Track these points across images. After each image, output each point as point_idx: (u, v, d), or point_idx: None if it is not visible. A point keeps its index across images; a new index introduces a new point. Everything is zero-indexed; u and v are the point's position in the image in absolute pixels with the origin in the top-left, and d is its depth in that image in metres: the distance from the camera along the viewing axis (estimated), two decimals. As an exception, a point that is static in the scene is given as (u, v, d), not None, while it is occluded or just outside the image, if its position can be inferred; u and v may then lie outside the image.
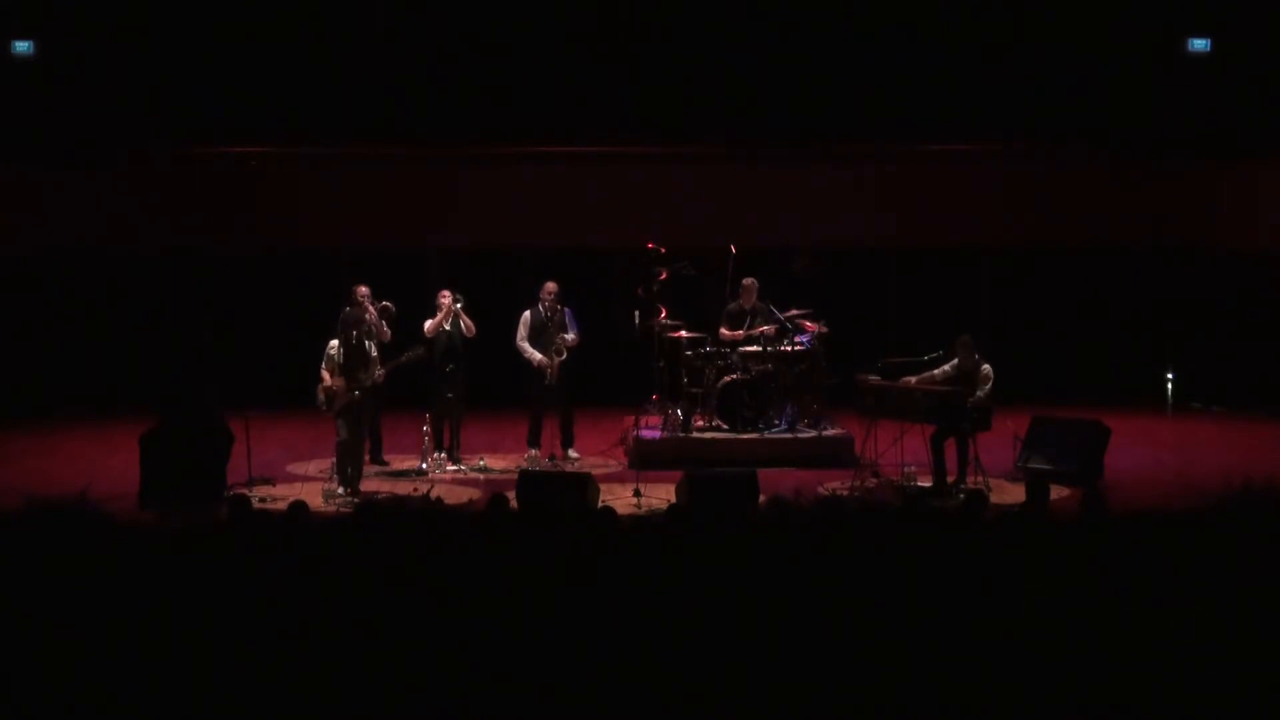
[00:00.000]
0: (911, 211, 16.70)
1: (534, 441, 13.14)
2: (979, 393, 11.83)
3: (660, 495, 11.30)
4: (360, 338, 11.68)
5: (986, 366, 11.93)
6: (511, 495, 10.65)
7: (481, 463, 12.92)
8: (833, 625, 6.02)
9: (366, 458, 12.29)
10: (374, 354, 11.76)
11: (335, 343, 11.76)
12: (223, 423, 12.06)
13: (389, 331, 12.15)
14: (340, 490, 11.60)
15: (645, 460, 12.40)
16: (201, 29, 16.02)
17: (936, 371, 12.03)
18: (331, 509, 10.93)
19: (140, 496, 11.35)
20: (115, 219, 16.58)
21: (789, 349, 13.20)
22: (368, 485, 11.77)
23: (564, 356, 12.92)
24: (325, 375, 11.70)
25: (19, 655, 5.89)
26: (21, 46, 15.86)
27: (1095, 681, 5.75)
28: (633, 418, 13.22)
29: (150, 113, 16.12)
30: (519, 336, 13.03)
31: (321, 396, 11.70)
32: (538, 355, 12.92)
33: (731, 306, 13.47)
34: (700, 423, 13.19)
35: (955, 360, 12.05)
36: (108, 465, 12.59)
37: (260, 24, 16.04)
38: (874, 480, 11.93)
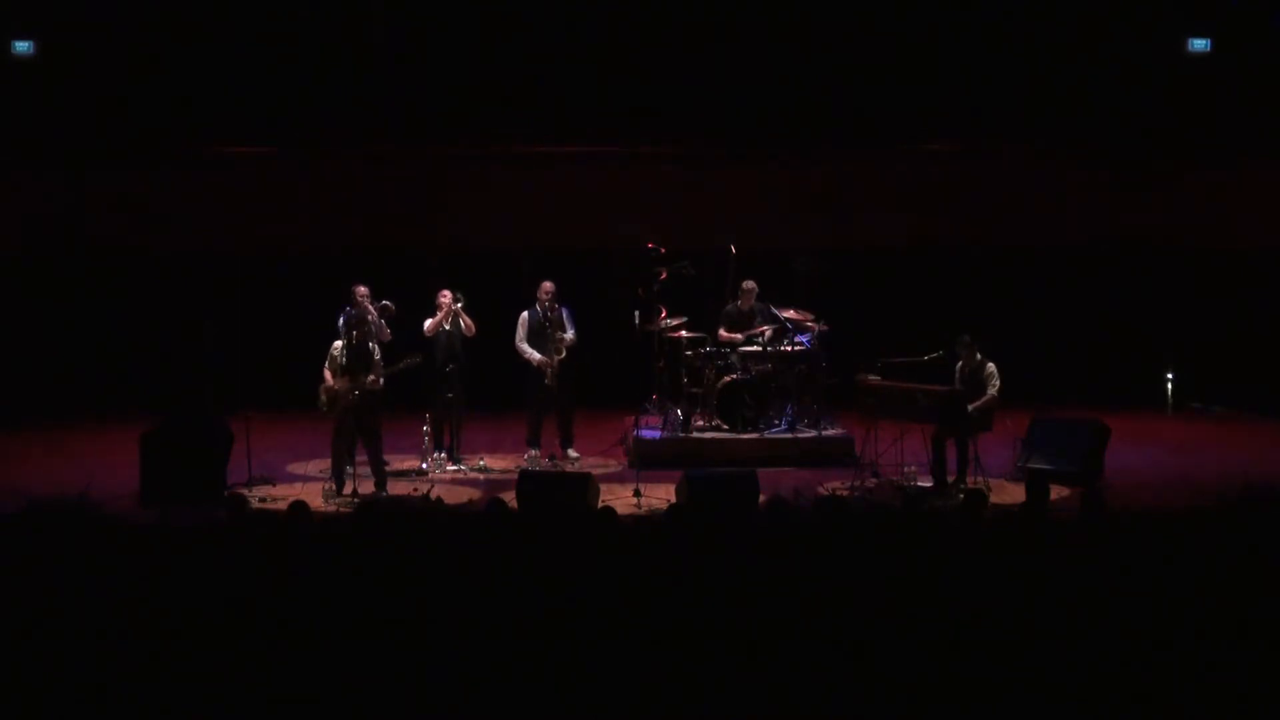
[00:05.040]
0: (911, 211, 16.69)
1: (534, 441, 13.13)
2: (989, 391, 11.83)
3: (660, 495, 11.30)
4: (363, 338, 11.66)
5: (990, 365, 11.95)
6: (511, 495, 10.66)
7: (481, 463, 12.92)
8: (832, 624, 6.02)
9: (361, 457, 12.21)
10: (377, 356, 11.74)
11: (339, 344, 11.75)
12: (223, 423, 12.05)
13: (389, 331, 12.14)
14: (338, 491, 11.61)
15: (645, 460, 12.39)
16: (201, 29, 16.00)
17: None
18: (331, 509, 10.92)
19: (140, 496, 11.35)
20: (115, 219, 16.57)
21: (789, 349, 13.20)
22: (367, 485, 11.76)
23: (563, 355, 12.92)
24: (327, 376, 11.69)
25: (20, 654, 5.89)
26: (21, 46, 15.85)
27: (1095, 680, 5.75)
28: (633, 418, 13.22)
29: (150, 113, 16.11)
30: (518, 338, 13.03)
31: (323, 398, 11.68)
32: (537, 355, 12.92)
33: (730, 308, 13.46)
34: (700, 423, 13.19)
35: (960, 363, 12.07)
36: (108, 465, 12.58)
37: (260, 24, 16.02)
38: (874, 480, 11.92)
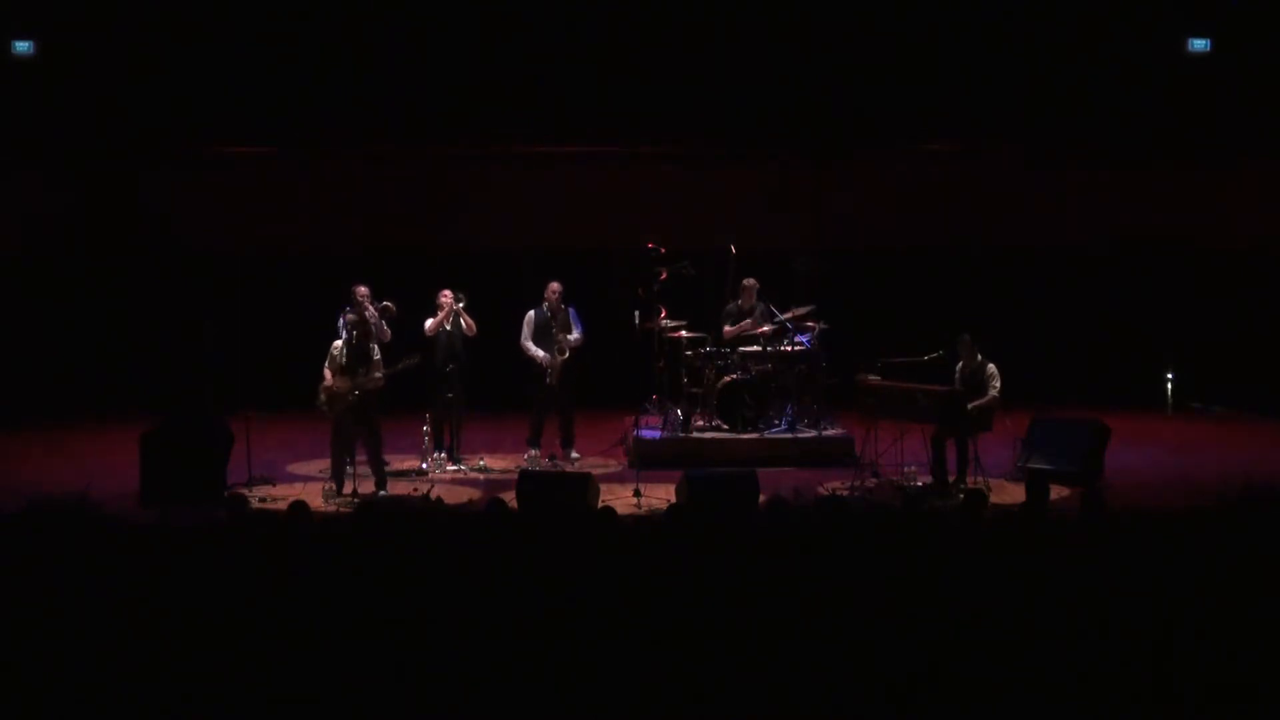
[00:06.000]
0: (912, 211, 16.69)
1: (534, 441, 13.14)
2: (990, 392, 11.84)
3: (660, 495, 11.30)
4: (363, 338, 11.67)
5: (991, 365, 11.95)
6: (511, 495, 10.66)
7: (481, 463, 12.92)
8: (832, 624, 6.02)
9: (361, 457, 12.20)
10: (376, 356, 11.74)
11: (339, 343, 11.76)
12: (223, 423, 12.05)
13: (389, 331, 12.14)
14: (338, 491, 11.61)
15: (645, 460, 12.40)
16: (201, 29, 16.00)
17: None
18: (331, 509, 10.92)
19: (140, 496, 11.35)
20: (114, 219, 16.58)
21: (789, 349, 13.21)
22: (367, 485, 11.76)
23: (566, 355, 12.93)
24: (327, 375, 11.69)
25: (20, 654, 5.89)
26: (21, 46, 15.84)
27: (1095, 680, 5.75)
28: (633, 418, 13.22)
29: (150, 113, 16.11)
30: (523, 336, 13.04)
31: (322, 397, 11.69)
32: (541, 353, 12.93)
33: (731, 306, 13.47)
34: (700, 423, 13.19)
35: (960, 364, 12.07)
36: (108, 465, 12.58)
37: (260, 24, 16.01)
38: (874, 480, 11.92)
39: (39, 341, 16.19)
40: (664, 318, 13.32)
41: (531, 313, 13.10)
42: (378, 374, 11.66)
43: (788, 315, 13.23)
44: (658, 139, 16.46)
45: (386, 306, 12.15)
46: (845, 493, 11.18)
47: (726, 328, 13.37)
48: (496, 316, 13.37)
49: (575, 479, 11.29)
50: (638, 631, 5.96)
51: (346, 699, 5.71)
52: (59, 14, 15.91)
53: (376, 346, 11.79)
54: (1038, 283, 16.72)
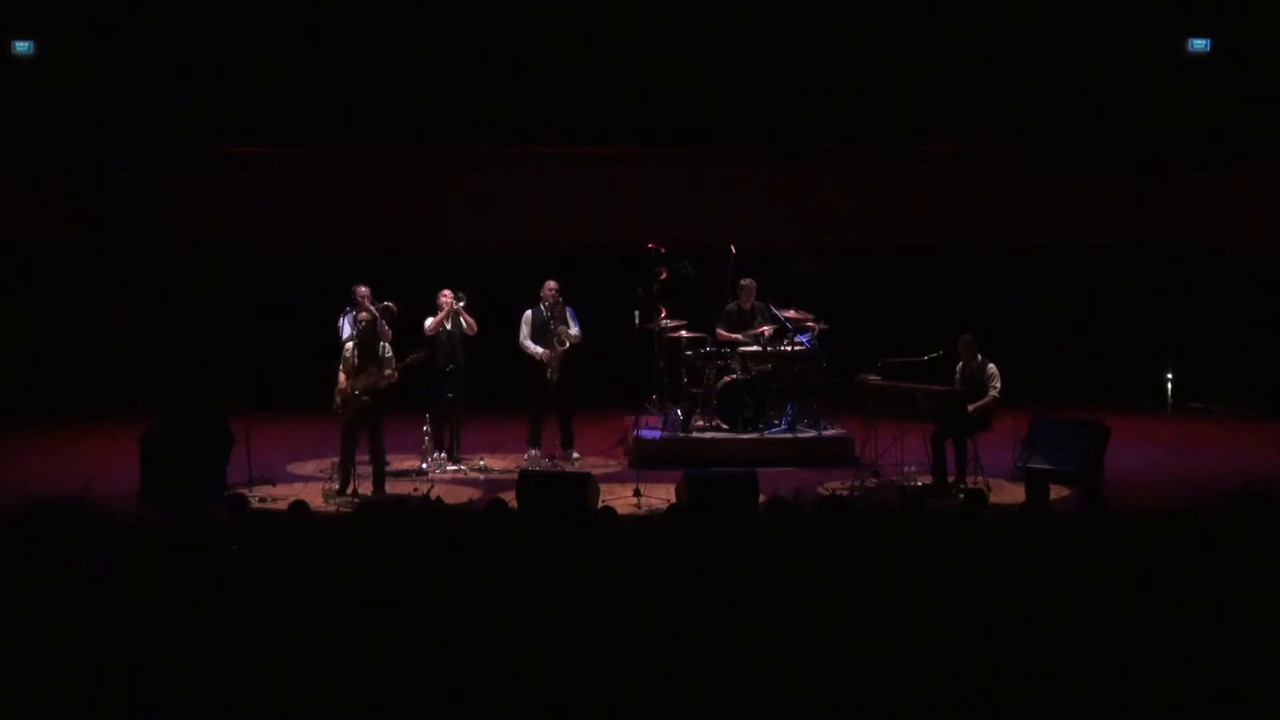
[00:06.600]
0: (911, 211, 16.68)
1: (534, 441, 13.14)
2: (990, 392, 11.84)
3: (660, 495, 11.30)
4: (370, 339, 11.68)
5: (991, 366, 11.96)
6: (511, 495, 10.66)
7: (481, 463, 12.92)
8: (833, 625, 6.02)
9: (362, 457, 12.21)
10: (388, 354, 11.76)
11: (350, 345, 11.77)
12: (223, 423, 12.05)
13: (389, 331, 12.15)
14: (340, 490, 11.60)
15: (645, 460, 12.41)
16: (202, 28, 15.99)
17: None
18: (331, 509, 10.92)
19: (140, 496, 11.35)
20: (115, 219, 16.57)
21: (789, 349, 13.21)
22: (367, 486, 11.75)
23: (566, 346, 12.94)
24: (341, 378, 11.69)
25: (19, 654, 5.90)
26: (21, 46, 15.83)
27: (1095, 679, 5.75)
28: (633, 418, 13.22)
29: (150, 113, 16.10)
30: (522, 335, 13.05)
31: (337, 400, 11.70)
32: (539, 349, 12.94)
33: (730, 307, 13.47)
34: (700, 423, 13.19)
35: (960, 364, 12.07)
36: (108, 465, 12.58)
37: (260, 24, 16.00)
38: (874, 480, 11.93)
39: (39, 341, 16.18)
40: (664, 318, 13.33)
41: (529, 311, 13.11)
42: (388, 371, 11.68)
43: (788, 315, 13.23)
44: (658, 139, 16.44)
45: (387, 306, 12.16)
46: (845, 493, 11.19)
47: (720, 329, 13.37)
48: (496, 316, 13.37)
49: (575, 479, 11.30)
50: (638, 631, 5.96)
51: (346, 699, 5.71)
52: (59, 14, 15.90)
53: (387, 344, 11.81)
54: (1038, 283, 16.70)
